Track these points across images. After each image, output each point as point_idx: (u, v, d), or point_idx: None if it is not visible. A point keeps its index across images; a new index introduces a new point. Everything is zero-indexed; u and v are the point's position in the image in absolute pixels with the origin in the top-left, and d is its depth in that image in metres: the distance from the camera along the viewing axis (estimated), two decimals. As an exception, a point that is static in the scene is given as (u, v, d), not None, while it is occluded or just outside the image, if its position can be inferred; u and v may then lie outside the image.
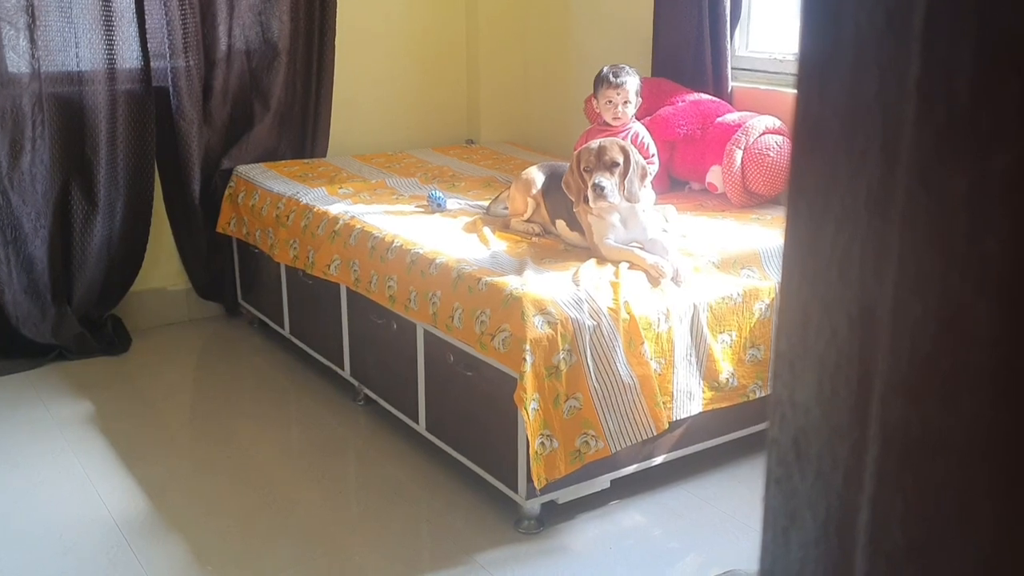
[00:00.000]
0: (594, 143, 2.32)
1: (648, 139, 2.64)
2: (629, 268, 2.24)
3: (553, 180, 2.51)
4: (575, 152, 2.36)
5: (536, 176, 2.58)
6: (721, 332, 2.26)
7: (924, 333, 0.35)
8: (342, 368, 2.81)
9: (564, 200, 2.41)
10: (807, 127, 0.39)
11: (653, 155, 2.61)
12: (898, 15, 0.35)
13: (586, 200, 2.29)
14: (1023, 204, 0.32)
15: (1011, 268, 0.32)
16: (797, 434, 0.44)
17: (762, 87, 3.02)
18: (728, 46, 3.03)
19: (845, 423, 0.40)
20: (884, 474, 0.38)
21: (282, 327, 3.13)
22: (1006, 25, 0.32)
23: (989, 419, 0.33)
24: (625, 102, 2.61)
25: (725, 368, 2.26)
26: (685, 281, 2.23)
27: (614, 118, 2.62)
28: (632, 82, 2.62)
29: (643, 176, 2.31)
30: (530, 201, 2.55)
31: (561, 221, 2.49)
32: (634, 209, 2.32)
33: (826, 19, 0.39)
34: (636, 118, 2.70)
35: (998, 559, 0.34)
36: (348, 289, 2.69)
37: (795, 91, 0.41)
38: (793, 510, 0.45)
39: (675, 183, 3.05)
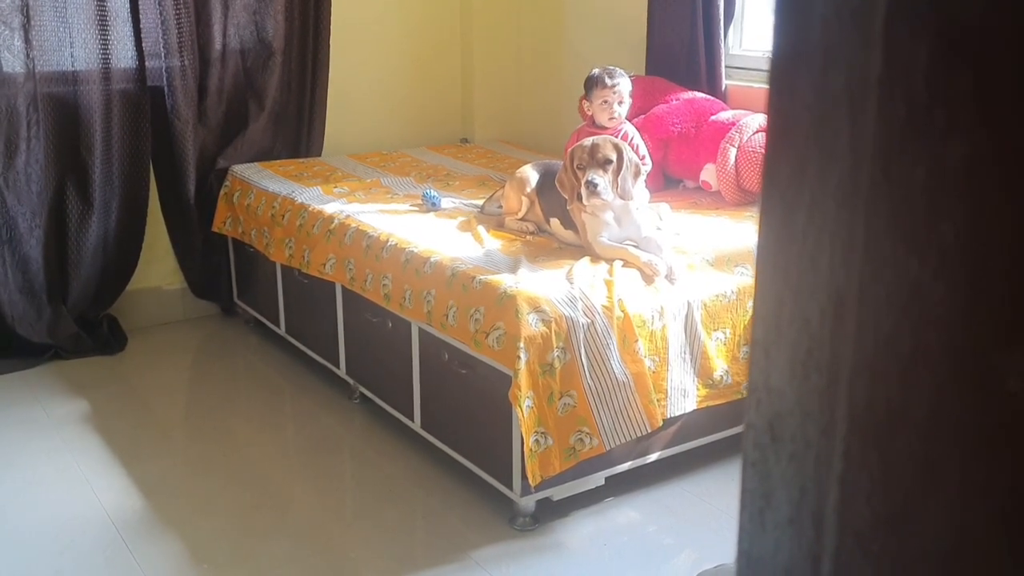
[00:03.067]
0: (587, 141, 2.33)
1: (639, 139, 2.65)
2: (623, 266, 2.25)
3: (547, 179, 2.53)
4: (568, 151, 2.37)
5: (530, 175, 2.59)
6: (715, 330, 2.27)
7: (886, 316, 0.37)
8: (337, 366, 2.82)
9: (558, 198, 2.42)
10: (779, 122, 0.41)
11: (644, 155, 2.62)
12: (861, 13, 0.37)
13: (580, 198, 2.30)
14: (977, 191, 0.34)
15: (965, 252, 0.34)
16: (772, 418, 0.46)
17: (756, 85, 3.04)
18: (722, 45, 3.05)
19: (816, 406, 0.42)
20: (851, 453, 0.40)
21: (278, 326, 3.13)
22: (959, 22, 0.33)
23: (945, 395, 0.35)
24: (620, 102, 2.62)
25: (719, 365, 2.28)
26: (679, 279, 2.24)
27: (609, 118, 2.63)
28: (625, 83, 2.64)
29: (636, 173, 2.33)
30: (524, 200, 2.56)
31: (555, 219, 2.50)
32: (628, 207, 2.34)
33: (796, 17, 0.41)
34: (629, 117, 2.71)
35: (959, 529, 0.36)
36: (343, 288, 2.70)
37: (768, 87, 0.43)
38: (768, 492, 0.47)
39: (669, 181, 3.06)
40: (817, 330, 0.40)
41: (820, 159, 0.40)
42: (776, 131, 0.42)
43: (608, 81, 2.61)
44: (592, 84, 2.65)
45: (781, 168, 0.42)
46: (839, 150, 0.39)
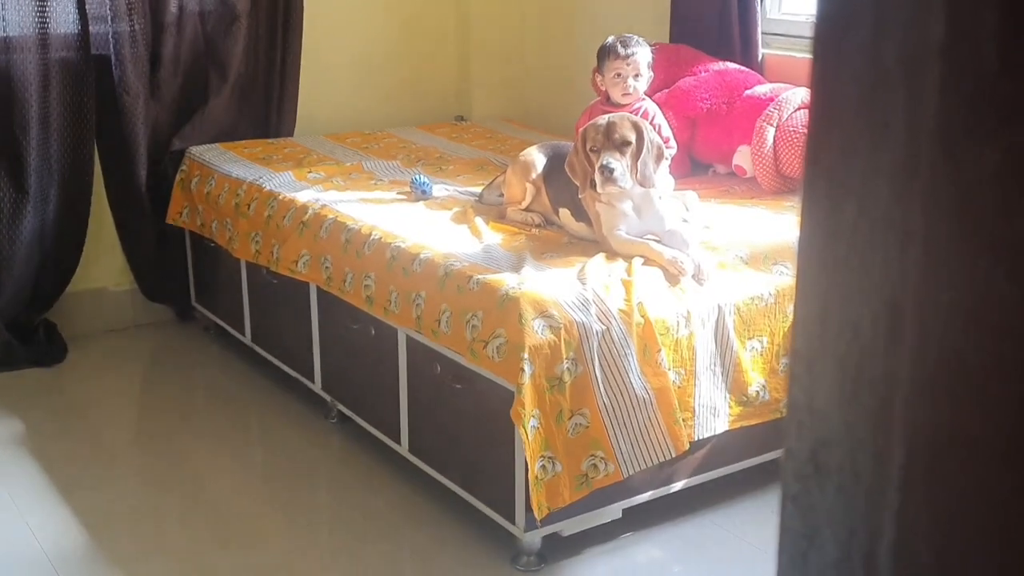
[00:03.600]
0: (602, 119, 2.33)
1: (661, 119, 2.65)
2: (643, 264, 2.25)
3: (556, 163, 2.53)
4: (579, 130, 2.37)
5: (536, 158, 2.59)
6: (750, 338, 2.27)
7: (951, 325, 0.36)
8: (312, 381, 2.82)
9: (568, 186, 2.42)
10: (824, 97, 0.40)
11: (668, 137, 2.62)
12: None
13: (593, 185, 2.30)
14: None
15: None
16: (816, 445, 0.45)
17: (798, 55, 3.03)
18: (758, 7, 3.05)
19: (868, 431, 0.42)
20: (910, 486, 0.39)
21: (242, 333, 3.14)
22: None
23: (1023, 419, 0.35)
24: (636, 75, 2.62)
25: (755, 379, 2.28)
26: (708, 279, 2.24)
27: (623, 94, 2.62)
28: (643, 53, 2.63)
29: (659, 157, 2.33)
30: (529, 187, 2.57)
31: (565, 210, 2.50)
32: (649, 195, 2.34)
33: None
34: (649, 92, 2.71)
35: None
36: (319, 289, 2.70)
37: (811, 56, 0.42)
38: (812, 531, 0.46)
39: (697, 166, 3.06)
40: (869, 341, 0.40)
41: (872, 140, 0.39)
42: (820, 108, 0.42)
43: (622, 51, 2.61)
44: (604, 55, 2.65)
45: (826, 151, 0.42)
46: (894, 130, 0.39)
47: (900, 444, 0.40)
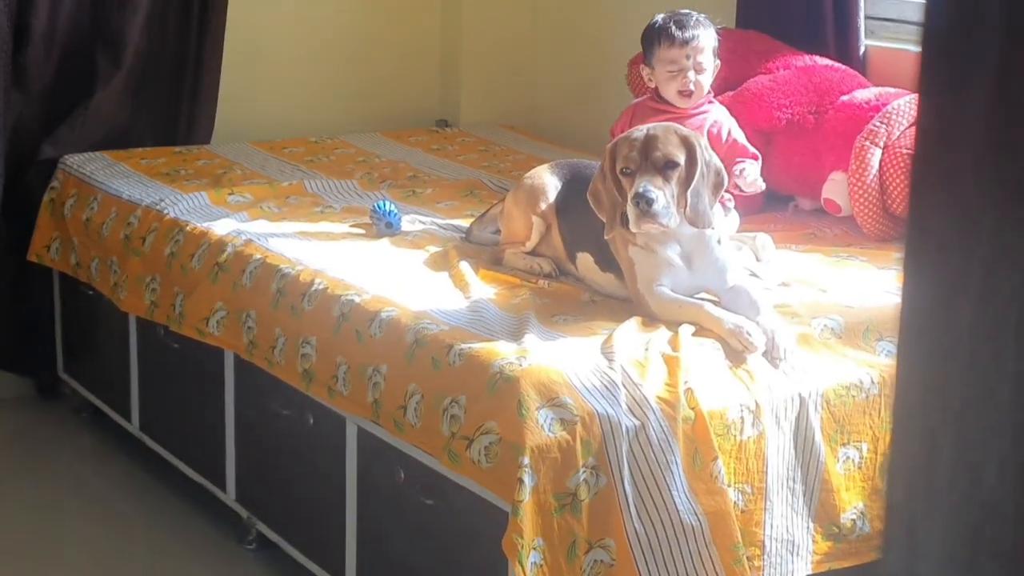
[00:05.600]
0: (638, 130, 2.33)
1: (738, 132, 2.65)
2: (694, 334, 2.24)
3: (574, 190, 2.53)
4: (610, 144, 2.38)
5: (547, 182, 2.59)
6: (844, 443, 2.25)
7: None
8: (222, 488, 2.80)
9: (591, 222, 2.43)
10: (936, 127, 0.39)
11: (745, 145, 2.61)
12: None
13: (624, 222, 2.30)
14: None
15: None
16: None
17: (913, 49, 3.05)
18: (862, -17, 3.08)
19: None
20: None
21: (127, 418, 3.11)
22: None
23: None
24: (700, 68, 2.64)
25: (850, 503, 2.26)
26: (786, 358, 2.23)
27: (682, 93, 2.64)
28: (707, 35, 2.65)
29: (718, 186, 2.33)
30: (536, 222, 2.56)
31: (586, 255, 2.50)
32: (703, 239, 2.33)
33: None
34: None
35: None
36: (237, 358, 2.69)
37: (920, 75, 0.41)
38: None
39: (772, 198, 3.06)
40: (993, 494, 0.38)
41: (1003, 187, 0.38)
42: (930, 143, 0.41)
43: (678, 33, 2.62)
44: (654, 38, 2.66)
45: (937, 190, 0.40)
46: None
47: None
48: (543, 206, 2.56)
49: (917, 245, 0.41)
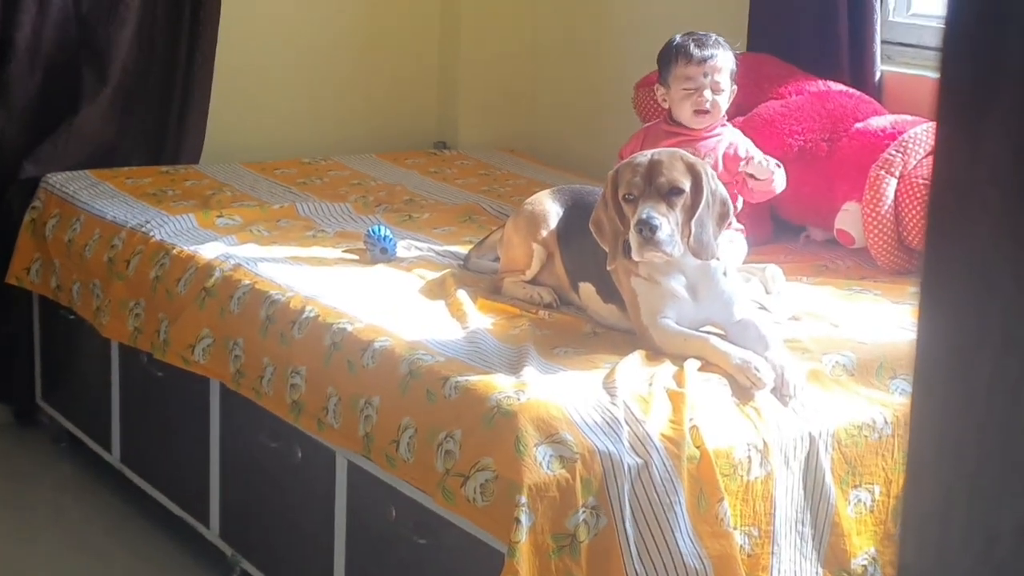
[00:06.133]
0: (642, 156, 2.34)
1: (756, 150, 2.67)
2: (700, 369, 2.24)
3: (576, 217, 2.53)
4: (612, 171, 2.38)
5: (549, 208, 2.60)
6: (856, 486, 2.25)
7: None
8: (206, 524, 2.79)
9: (594, 251, 2.43)
10: (952, 175, 0.40)
11: (759, 161, 2.60)
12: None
13: (626, 251, 2.31)
14: None
15: None
16: None
17: (931, 75, 3.06)
18: (877, 5, 3.08)
19: None
20: None
21: (108, 449, 3.10)
22: None
23: None
24: (717, 88, 2.66)
25: (862, 548, 2.25)
26: (796, 395, 2.23)
27: (697, 112, 2.66)
28: (725, 57, 2.67)
29: (723, 216, 2.33)
30: (537, 250, 2.57)
31: (588, 286, 2.50)
32: (709, 271, 2.33)
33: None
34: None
35: None
36: (223, 388, 2.69)
37: (937, 98, 0.42)
38: None
39: (783, 228, 3.07)
40: (1009, 558, 0.38)
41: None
42: (947, 174, 0.41)
43: (696, 52, 2.65)
44: (670, 58, 2.68)
45: (953, 239, 0.41)
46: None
47: None
48: (544, 233, 2.57)
49: (933, 293, 0.41)
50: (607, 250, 2.36)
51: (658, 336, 2.32)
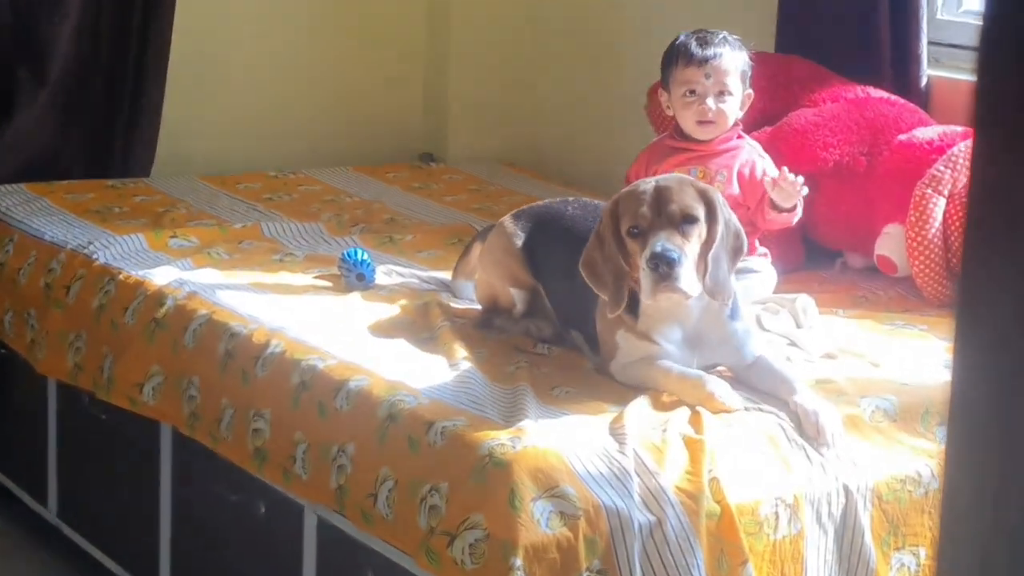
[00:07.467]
0: (644, 183, 2.33)
1: (775, 171, 2.65)
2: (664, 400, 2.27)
3: (550, 242, 2.53)
4: (609, 203, 2.36)
5: (511, 246, 2.54)
6: (899, 548, 2.25)
7: None
8: (156, 587, 2.78)
9: (582, 295, 2.41)
10: (987, 210, 0.40)
11: (781, 175, 2.59)
12: None
13: (632, 304, 2.28)
14: None
15: None
16: None
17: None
18: (923, 2, 3.08)
19: None
20: None
21: (43, 503, 3.11)
22: None
23: None
24: (721, 92, 2.65)
25: (904, 616, 2.25)
26: (834, 443, 2.22)
27: (700, 122, 2.66)
28: (732, 57, 2.67)
29: (737, 251, 2.32)
30: (516, 293, 2.55)
31: (579, 335, 2.52)
32: (713, 311, 2.32)
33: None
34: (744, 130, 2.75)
35: None
36: (175, 433, 2.68)
37: (974, 100, 0.42)
38: None
39: (816, 252, 3.07)
40: None
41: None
42: (982, 198, 0.41)
43: (698, 51, 2.65)
44: (671, 59, 2.69)
45: (991, 275, 0.41)
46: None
47: None
48: (520, 275, 2.55)
49: (969, 333, 0.41)
50: (605, 297, 2.33)
51: (615, 368, 2.35)
